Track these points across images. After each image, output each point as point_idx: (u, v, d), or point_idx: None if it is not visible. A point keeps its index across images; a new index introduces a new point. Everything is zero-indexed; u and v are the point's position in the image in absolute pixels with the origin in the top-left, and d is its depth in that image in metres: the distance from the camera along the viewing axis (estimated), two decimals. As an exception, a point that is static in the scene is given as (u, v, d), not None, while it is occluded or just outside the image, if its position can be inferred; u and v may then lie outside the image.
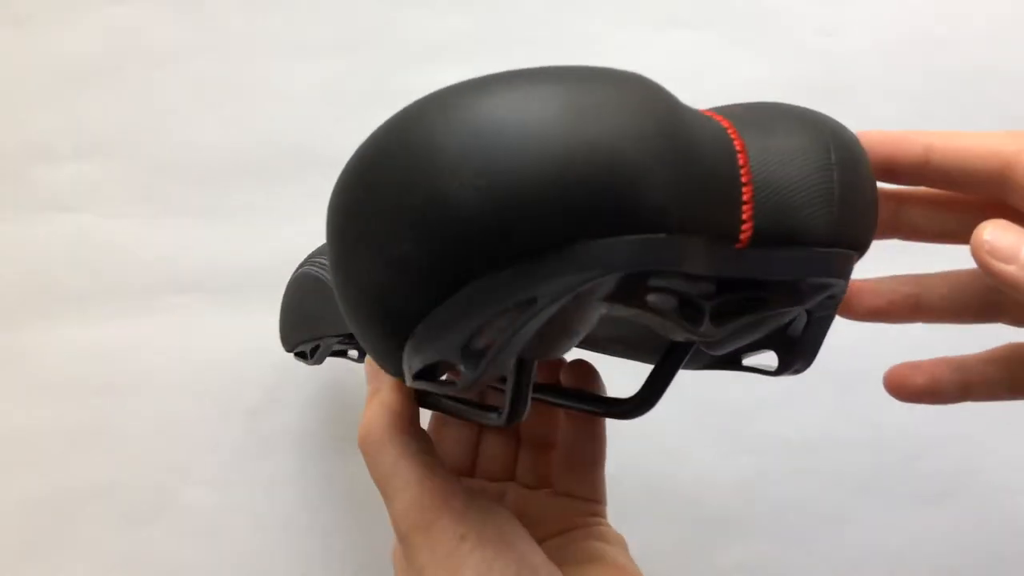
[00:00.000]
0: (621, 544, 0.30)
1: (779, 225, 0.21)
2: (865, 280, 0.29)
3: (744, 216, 0.21)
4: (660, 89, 0.20)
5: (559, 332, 0.23)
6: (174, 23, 0.41)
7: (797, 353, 0.27)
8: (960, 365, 0.29)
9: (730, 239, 0.21)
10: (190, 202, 0.42)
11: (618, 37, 0.41)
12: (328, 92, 0.41)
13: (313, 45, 0.41)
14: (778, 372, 0.27)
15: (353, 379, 0.41)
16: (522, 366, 0.24)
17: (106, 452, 0.42)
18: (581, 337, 0.24)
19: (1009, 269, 0.22)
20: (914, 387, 0.29)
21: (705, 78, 0.41)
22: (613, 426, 0.32)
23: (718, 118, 0.22)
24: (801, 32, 0.41)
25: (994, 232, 0.23)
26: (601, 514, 0.31)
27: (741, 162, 0.21)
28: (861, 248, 0.24)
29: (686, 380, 0.41)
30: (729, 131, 0.22)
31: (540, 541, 0.29)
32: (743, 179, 0.21)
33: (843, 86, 0.41)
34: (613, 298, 0.21)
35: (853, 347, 0.41)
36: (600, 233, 0.18)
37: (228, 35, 0.41)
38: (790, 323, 0.26)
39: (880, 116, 0.41)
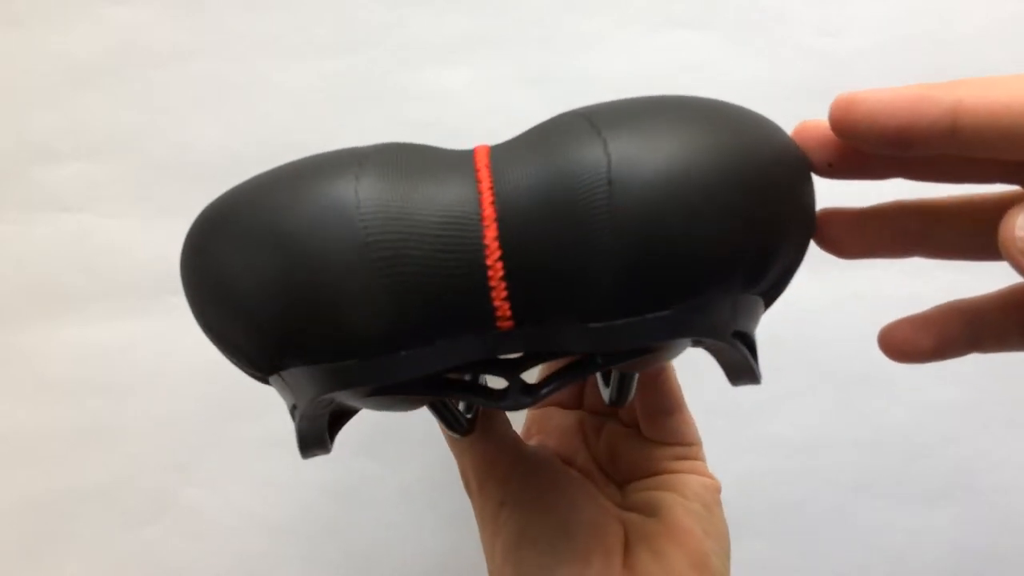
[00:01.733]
0: (702, 498, 0.28)
1: (545, 303, 0.18)
2: (854, 211, 0.23)
3: (495, 302, 0.18)
4: (370, 175, 0.18)
5: (387, 404, 0.24)
6: (174, 23, 0.41)
7: (728, 374, 0.24)
8: (970, 315, 0.22)
9: (487, 326, 0.18)
10: (190, 202, 0.41)
11: (618, 37, 0.41)
12: (328, 92, 0.41)
13: (313, 45, 0.41)
14: (733, 383, 0.25)
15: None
16: (433, 407, 0.26)
17: (106, 452, 0.42)
18: (410, 403, 0.24)
19: None
20: (922, 350, 0.22)
21: (705, 78, 0.41)
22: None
23: (481, 171, 0.18)
24: (801, 32, 0.41)
25: None
26: (692, 457, 0.30)
27: (487, 236, 0.17)
28: (707, 293, 0.18)
29: (686, 381, 0.41)
30: (482, 194, 0.18)
31: (627, 480, 0.30)
32: (487, 258, 0.17)
33: (843, 86, 0.41)
34: (383, 393, 0.21)
35: (853, 347, 0.41)
36: (296, 362, 0.19)
37: (228, 35, 0.41)
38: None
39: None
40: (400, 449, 0.42)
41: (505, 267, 0.17)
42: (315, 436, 0.23)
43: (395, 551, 0.42)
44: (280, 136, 0.42)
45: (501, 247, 0.17)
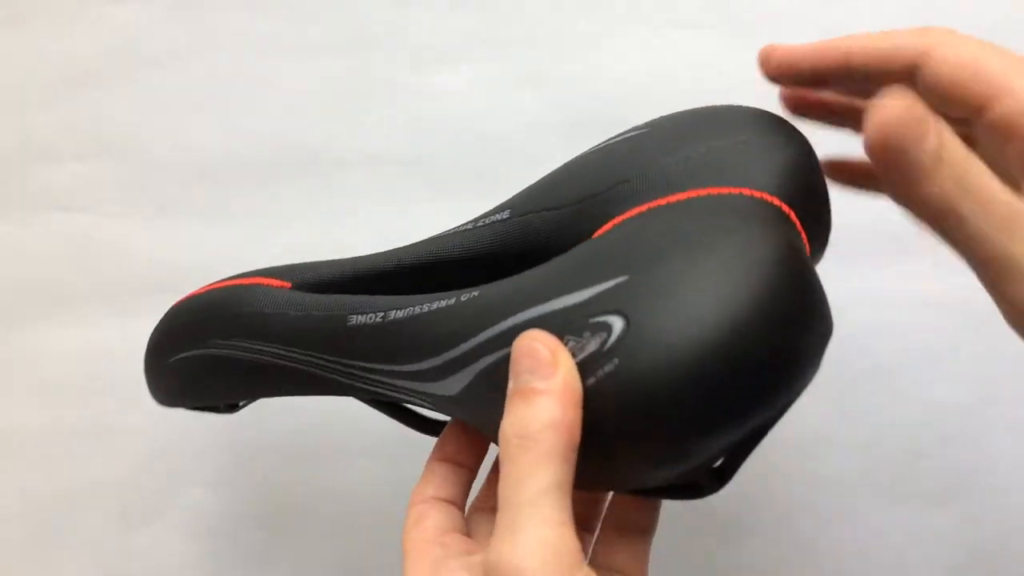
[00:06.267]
0: None
1: None
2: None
3: None
4: None
5: None
6: (174, 23, 0.41)
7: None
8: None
9: None
10: (190, 202, 0.42)
11: (618, 37, 0.41)
12: (328, 92, 0.41)
13: (313, 45, 0.41)
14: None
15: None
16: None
17: (106, 452, 0.42)
18: None
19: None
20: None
21: (705, 78, 0.41)
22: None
23: None
24: (801, 32, 0.41)
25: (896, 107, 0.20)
26: None
27: None
28: None
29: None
30: None
31: None
32: None
33: (843, 86, 0.41)
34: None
35: (853, 347, 0.41)
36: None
37: (228, 35, 0.41)
38: None
39: (880, 116, 0.41)
40: (400, 450, 0.42)
41: None
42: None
43: (395, 551, 0.42)
44: (280, 136, 0.42)
45: None
